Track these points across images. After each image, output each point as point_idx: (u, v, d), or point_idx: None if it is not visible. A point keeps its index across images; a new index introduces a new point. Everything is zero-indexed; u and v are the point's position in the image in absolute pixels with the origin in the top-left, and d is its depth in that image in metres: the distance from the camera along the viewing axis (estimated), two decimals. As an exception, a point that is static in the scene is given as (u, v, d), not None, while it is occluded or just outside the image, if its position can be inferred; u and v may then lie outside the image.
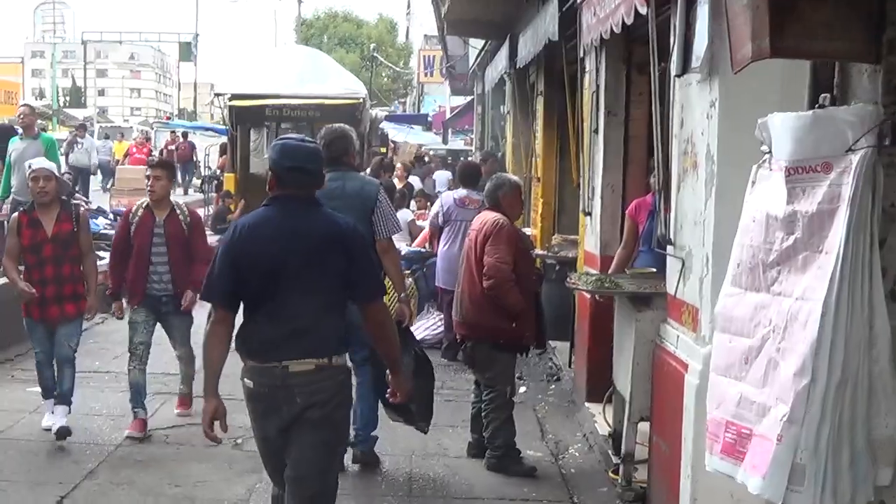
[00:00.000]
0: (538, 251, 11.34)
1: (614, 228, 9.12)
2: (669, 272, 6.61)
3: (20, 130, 13.55)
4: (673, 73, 6.36)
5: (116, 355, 10.91)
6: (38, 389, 8.72)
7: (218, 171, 28.05)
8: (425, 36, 51.97)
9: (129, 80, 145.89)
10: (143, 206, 8.60)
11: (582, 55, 9.52)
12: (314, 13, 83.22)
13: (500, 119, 21.82)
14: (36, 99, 73.78)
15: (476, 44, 24.06)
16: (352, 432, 7.09)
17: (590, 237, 9.56)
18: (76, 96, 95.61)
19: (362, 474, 7.73)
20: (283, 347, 4.93)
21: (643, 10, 6.50)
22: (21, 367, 10.56)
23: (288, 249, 4.95)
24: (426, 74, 52.43)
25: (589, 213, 9.54)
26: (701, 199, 5.92)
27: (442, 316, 11.81)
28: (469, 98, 34.80)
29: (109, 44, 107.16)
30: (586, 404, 9.24)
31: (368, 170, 14.76)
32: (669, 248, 6.57)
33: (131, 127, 56.35)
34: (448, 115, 41.10)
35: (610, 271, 8.46)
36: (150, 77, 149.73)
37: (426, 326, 12.09)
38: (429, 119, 46.13)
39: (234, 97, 22.08)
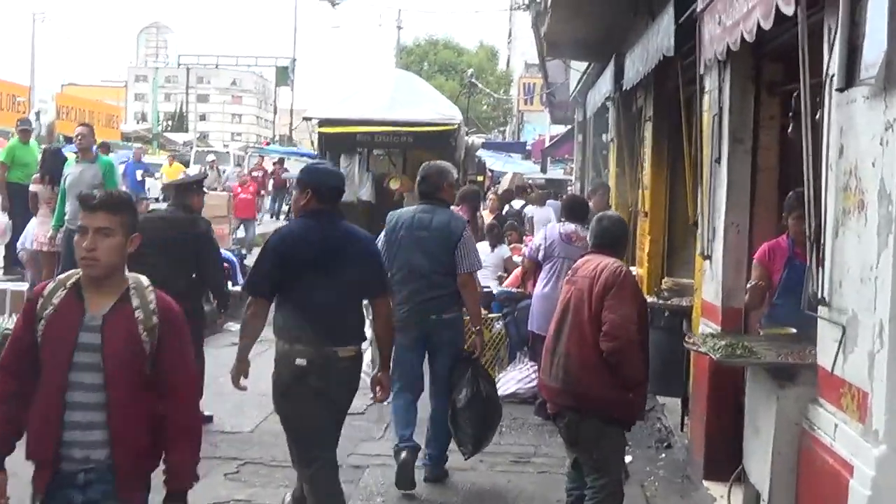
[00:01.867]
0: (647, 298, 9.94)
1: (739, 276, 7.71)
2: (822, 340, 5.23)
3: (74, 153, 12.60)
4: (832, 87, 4.98)
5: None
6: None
7: (303, 199, 27.08)
8: (526, 63, 51.04)
9: (230, 105, 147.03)
10: (69, 284, 4.38)
11: (702, 72, 8.17)
12: (415, 40, 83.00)
13: (602, 148, 20.44)
14: (138, 123, 74.59)
15: (578, 68, 22.76)
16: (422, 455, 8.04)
17: (709, 285, 8.16)
18: (179, 121, 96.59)
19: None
20: (333, 335, 5.97)
21: (788, 10, 5.12)
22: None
23: (329, 253, 6.04)
24: (526, 102, 51.47)
25: (708, 257, 8.14)
26: (871, 250, 4.56)
27: (536, 366, 10.50)
28: (569, 126, 33.47)
29: (211, 69, 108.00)
30: (704, 483, 7.86)
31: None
32: (822, 310, 5.19)
33: (228, 152, 56.10)
34: (547, 144, 39.90)
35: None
36: (252, 102, 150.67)
37: (518, 378, 10.76)
38: (527, 147, 44.97)
39: (323, 122, 21.27)
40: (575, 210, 10.54)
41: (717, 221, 7.95)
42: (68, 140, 21.69)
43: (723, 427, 7.59)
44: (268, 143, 71.26)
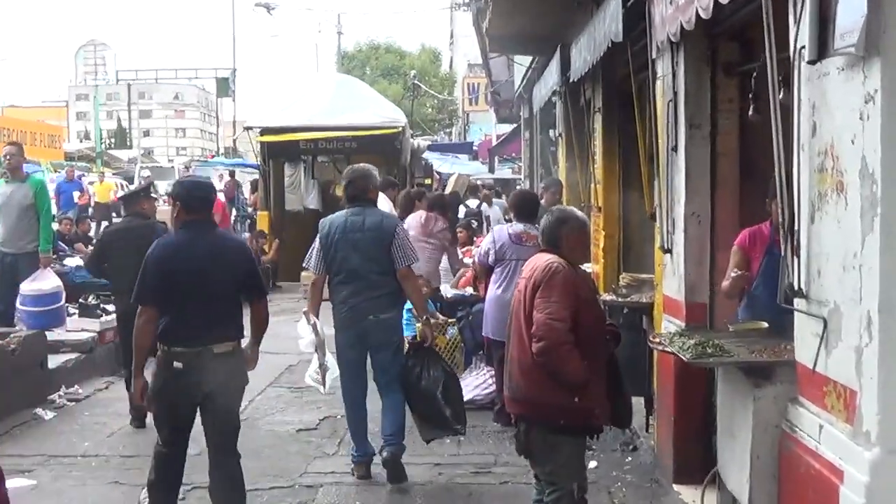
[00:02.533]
0: (604, 296, 9.52)
1: (702, 269, 7.35)
2: (801, 335, 4.86)
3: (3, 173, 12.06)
4: (801, 60, 4.61)
5: (112, 432, 9.32)
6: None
7: (251, 209, 26.60)
8: (469, 63, 50.91)
9: (174, 119, 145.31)
10: None
11: (654, 57, 7.79)
12: (356, 45, 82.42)
13: (551, 144, 20.07)
14: (81, 141, 73.35)
15: (522, 63, 22.36)
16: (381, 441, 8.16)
17: (671, 279, 7.79)
18: (122, 138, 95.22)
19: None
20: (208, 335, 6.34)
21: (749, -19, 4.76)
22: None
23: (202, 260, 6.40)
24: (470, 102, 51.30)
25: (669, 251, 7.76)
26: (854, 235, 4.19)
27: (493, 371, 10.10)
28: (515, 124, 33.13)
29: (153, 84, 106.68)
30: (675, 487, 7.49)
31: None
32: (800, 303, 4.82)
33: (173, 167, 55.48)
34: (494, 143, 39.59)
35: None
36: (195, 116, 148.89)
37: (475, 384, 10.32)
38: (474, 147, 44.65)
39: (265, 131, 20.89)
40: (522, 208, 9.97)
41: (676, 213, 7.58)
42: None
43: (692, 428, 7.27)
44: (213, 156, 70.53)
